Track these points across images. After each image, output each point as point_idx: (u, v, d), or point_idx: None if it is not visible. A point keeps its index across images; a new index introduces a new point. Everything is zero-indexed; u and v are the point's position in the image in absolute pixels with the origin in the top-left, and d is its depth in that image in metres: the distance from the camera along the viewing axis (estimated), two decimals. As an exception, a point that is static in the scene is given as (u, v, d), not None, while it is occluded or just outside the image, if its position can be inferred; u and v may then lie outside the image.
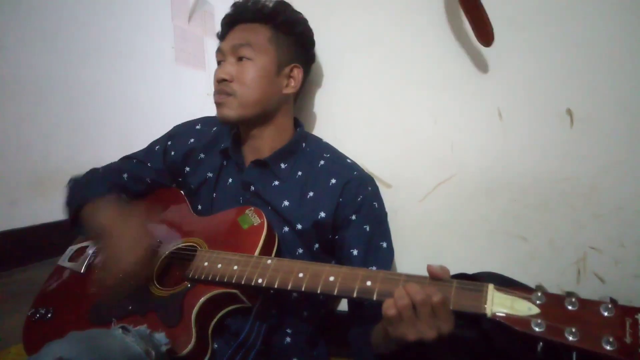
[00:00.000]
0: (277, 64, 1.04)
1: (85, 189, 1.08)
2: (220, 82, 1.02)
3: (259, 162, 1.05)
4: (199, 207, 1.10)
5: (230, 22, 1.08)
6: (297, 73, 1.07)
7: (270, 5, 1.06)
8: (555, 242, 1.09)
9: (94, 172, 1.16)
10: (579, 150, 1.06)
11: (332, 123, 1.25)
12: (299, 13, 1.11)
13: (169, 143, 1.16)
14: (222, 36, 1.10)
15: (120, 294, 0.93)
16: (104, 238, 0.93)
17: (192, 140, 1.14)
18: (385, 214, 1.07)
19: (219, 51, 1.06)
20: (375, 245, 1.00)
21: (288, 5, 1.10)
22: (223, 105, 1.01)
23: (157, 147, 1.17)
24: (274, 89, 1.04)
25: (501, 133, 1.11)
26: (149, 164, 1.16)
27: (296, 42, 1.08)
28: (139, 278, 0.92)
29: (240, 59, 1.02)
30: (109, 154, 1.24)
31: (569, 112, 1.06)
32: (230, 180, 1.08)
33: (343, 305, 1.21)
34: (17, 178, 2.23)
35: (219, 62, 1.06)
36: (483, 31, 1.03)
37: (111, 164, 1.19)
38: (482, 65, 1.11)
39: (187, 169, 1.13)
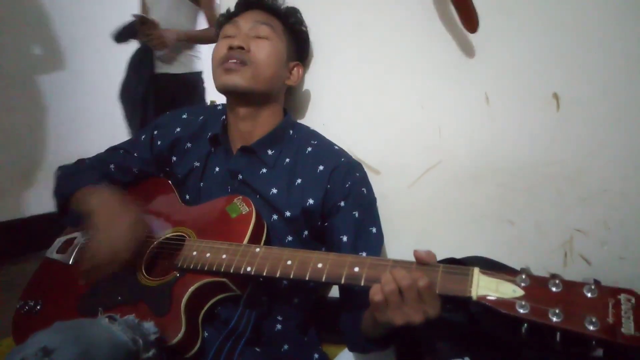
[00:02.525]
0: (286, 54, 1.09)
1: (75, 178, 1.07)
2: (235, 49, 1.01)
3: (246, 149, 1.05)
4: (187, 196, 1.10)
5: (246, 5, 1.10)
6: (299, 70, 1.14)
7: (284, 5, 1.14)
8: (542, 225, 1.10)
9: (81, 162, 1.15)
10: (565, 134, 1.07)
11: (320, 111, 1.25)
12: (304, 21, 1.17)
13: (155, 132, 1.15)
14: (234, 15, 1.10)
15: (102, 275, 0.92)
16: (95, 221, 0.93)
17: (178, 129, 1.14)
18: (374, 200, 1.07)
19: (233, 24, 1.06)
20: (365, 231, 1.01)
21: (298, 11, 1.16)
22: (235, 72, 1.01)
23: (143, 137, 1.16)
24: (281, 74, 1.09)
25: (488, 118, 1.11)
26: (135, 154, 1.15)
27: (300, 44, 1.16)
28: (124, 264, 0.91)
29: (257, 37, 1.04)
30: (98, 145, 1.23)
31: (555, 96, 1.07)
32: (217, 169, 1.08)
33: (334, 292, 1.22)
34: (5, 170, 2.21)
35: (227, 36, 1.06)
36: (468, 18, 1.03)
37: (98, 155, 1.18)
38: (468, 51, 1.11)
39: (174, 158, 1.13)
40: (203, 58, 2.40)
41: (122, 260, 0.90)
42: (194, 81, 2.40)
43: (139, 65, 2.29)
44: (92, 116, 2.58)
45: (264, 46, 1.04)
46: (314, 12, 1.19)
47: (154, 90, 2.26)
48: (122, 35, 2.27)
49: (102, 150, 1.20)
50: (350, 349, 1.03)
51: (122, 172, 1.14)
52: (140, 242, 0.93)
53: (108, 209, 0.94)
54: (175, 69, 2.32)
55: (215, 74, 1.05)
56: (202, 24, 2.41)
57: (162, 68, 2.29)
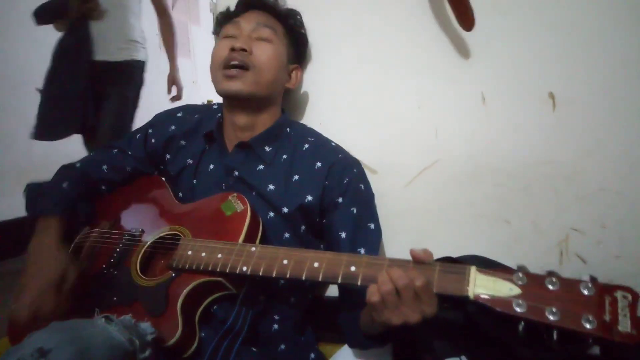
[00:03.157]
0: (287, 57, 1.09)
1: (37, 201, 1.04)
2: (237, 51, 1.00)
3: (243, 145, 1.04)
4: (180, 194, 1.09)
5: (247, 5, 1.09)
6: (298, 74, 1.14)
7: (285, 7, 1.13)
8: (539, 224, 1.10)
9: (68, 168, 1.12)
10: (562, 133, 1.07)
11: (317, 111, 1.25)
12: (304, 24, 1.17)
13: (150, 131, 1.15)
14: (235, 15, 1.09)
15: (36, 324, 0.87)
16: (25, 270, 0.94)
17: (173, 127, 1.13)
18: (372, 196, 1.07)
19: (235, 24, 1.05)
20: (363, 227, 1.00)
21: (298, 13, 1.15)
22: (236, 78, 0.99)
23: (138, 136, 1.16)
24: (281, 77, 1.08)
25: (484, 117, 1.11)
26: (129, 153, 1.15)
27: (299, 47, 1.15)
28: (52, 312, 0.89)
29: (259, 39, 1.03)
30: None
31: (551, 95, 1.07)
32: (211, 166, 1.07)
33: (330, 291, 1.22)
34: (1, 171, 2.19)
35: (228, 36, 1.04)
36: (464, 16, 1.03)
37: (90, 154, 1.18)
38: (465, 51, 1.11)
39: (168, 156, 1.13)
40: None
41: (46, 313, 0.88)
42: (133, 70, 2.12)
43: (75, 54, 1.96)
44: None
45: (266, 49, 1.03)
46: (311, 12, 1.18)
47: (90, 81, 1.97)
48: (45, 14, 1.93)
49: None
50: (351, 346, 1.03)
51: (116, 171, 1.14)
52: (69, 293, 0.91)
53: (36, 258, 0.94)
54: (116, 55, 2.05)
55: (216, 77, 1.03)
56: (147, 8, 2.29)
57: (100, 55, 2.01)
